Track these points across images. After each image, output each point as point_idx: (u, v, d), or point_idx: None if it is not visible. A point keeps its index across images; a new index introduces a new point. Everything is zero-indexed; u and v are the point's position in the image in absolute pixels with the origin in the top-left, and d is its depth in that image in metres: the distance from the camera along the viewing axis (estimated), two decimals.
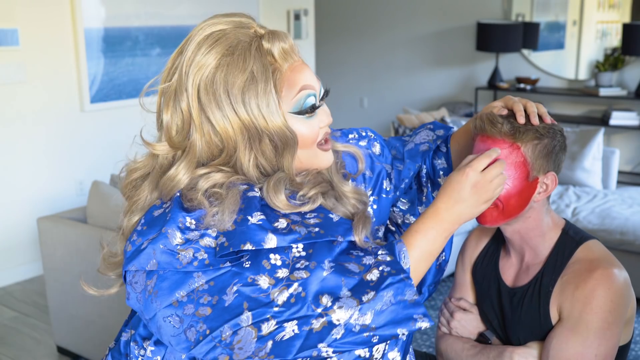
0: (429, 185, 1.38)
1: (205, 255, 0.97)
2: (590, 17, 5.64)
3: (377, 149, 1.34)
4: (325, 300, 0.95)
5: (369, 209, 1.28)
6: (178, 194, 1.03)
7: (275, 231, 0.98)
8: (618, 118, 4.95)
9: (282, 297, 0.95)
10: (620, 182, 4.81)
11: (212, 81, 1.02)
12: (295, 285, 0.95)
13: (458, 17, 5.97)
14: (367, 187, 1.29)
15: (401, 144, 1.40)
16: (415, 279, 1.05)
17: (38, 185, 3.98)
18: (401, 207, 1.38)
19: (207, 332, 0.95)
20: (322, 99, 1.10)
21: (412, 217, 1.37)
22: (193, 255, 0.97)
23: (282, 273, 0.96)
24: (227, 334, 0.94)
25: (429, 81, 6.24)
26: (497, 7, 5.76)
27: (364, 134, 1.34)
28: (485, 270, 1.56)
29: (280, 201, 1.02)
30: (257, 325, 0.94)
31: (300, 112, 1.06)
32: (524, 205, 1.35)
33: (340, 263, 0.99)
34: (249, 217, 0.99)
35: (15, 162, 3.85)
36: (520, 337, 1.45)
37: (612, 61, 5.39)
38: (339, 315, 0.95)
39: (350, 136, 1.33)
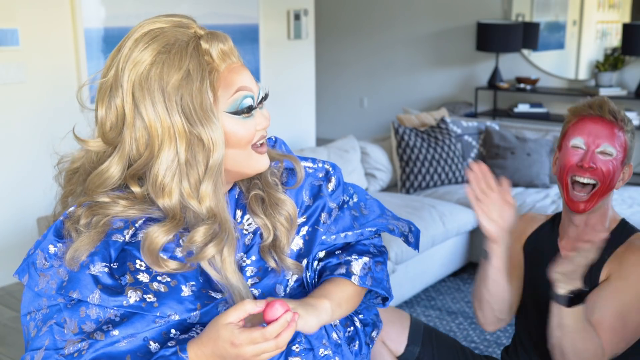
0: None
1: (54, 286, 1.02)
2: (590, 17, 5.65)
3: (332, 184, 1.25)
4: None
5: (299, 240, 1.20)
6: (62, 218, 1.07)
7: (106, 289, 1.00)
8: None
9: (70, 349, 0.99)
10: None
11: (147, 77, 1.03)
12: (85, 344, 0.99)
13: (458, 17, 5.97)
14: (300, 213, 1.21)
15: (371, 219, 1.29)
16: None
17: (38, 185, 3.97)
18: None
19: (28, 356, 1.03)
20: (260, 102, 1.10)
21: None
22: (47, 282, 1.03)
23: (88, 327, 1.00)
24: None
25: (429, 81, 6.23)
26: (497, 7, 5.76)
27: (320, 165, 1.26)
28: (540, 242, 1.61)
29: (152, 252, 1.02)
30: None
31: (236, 112, 1.06)
32: (612, 188, 1.46)
33: (152, 339, 1.02)
34: (91, 266, 1.01)
35: (15, 162, 3.85)
36: None
37: (612, 61, 5.39)
38: None
39: (305, 164, 1.24)
